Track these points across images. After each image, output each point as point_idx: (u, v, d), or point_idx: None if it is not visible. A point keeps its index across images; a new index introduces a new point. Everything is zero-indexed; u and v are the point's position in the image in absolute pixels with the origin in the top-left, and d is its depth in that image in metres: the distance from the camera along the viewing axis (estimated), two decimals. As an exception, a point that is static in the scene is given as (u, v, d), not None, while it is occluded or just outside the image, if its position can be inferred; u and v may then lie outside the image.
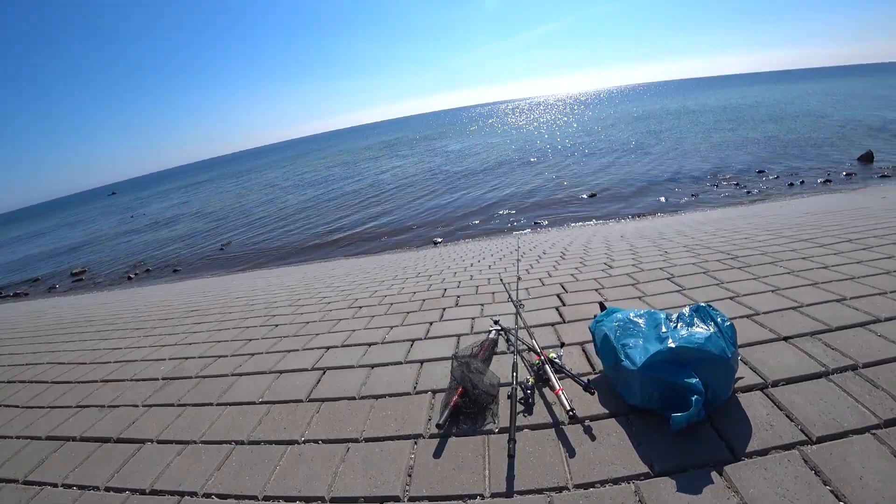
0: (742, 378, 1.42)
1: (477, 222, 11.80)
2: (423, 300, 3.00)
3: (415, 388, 1.73)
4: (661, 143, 21.00)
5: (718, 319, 1.37)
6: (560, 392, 1.37)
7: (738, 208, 8.13)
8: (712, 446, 1.18)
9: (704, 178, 12.74)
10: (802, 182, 10.57)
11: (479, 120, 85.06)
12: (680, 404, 1.18)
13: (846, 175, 10.75)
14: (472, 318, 2.42)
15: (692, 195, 10.88)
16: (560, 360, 1.62)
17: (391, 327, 2.50)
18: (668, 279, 2.67)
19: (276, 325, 2.98)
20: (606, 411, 1.38)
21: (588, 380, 1.45)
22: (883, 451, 1.09)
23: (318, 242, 12.79)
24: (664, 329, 1.37)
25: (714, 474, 1.10)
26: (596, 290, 2.65)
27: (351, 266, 6.62)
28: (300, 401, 1.79)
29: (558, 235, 6.98)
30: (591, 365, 1.70)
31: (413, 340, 2.22)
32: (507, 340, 1.98)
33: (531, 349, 1.79)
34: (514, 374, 1.54)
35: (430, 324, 2.44)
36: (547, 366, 1.54)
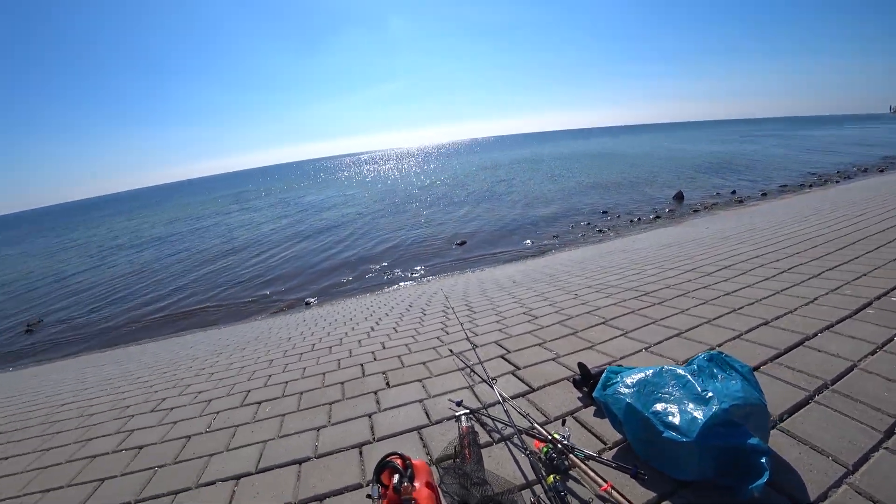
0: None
1: (350, 278, 10.92)
2: (342, 384, 2.43)
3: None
4: (513, 190, 23.26)
5: (737, 365, 1.32)
6: (610, 488, 1.13)
7: (602, 245, 9.23)
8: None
9: (558, 219, 14.33)
10: (640, 219, 12.75)
11: (331, 172, 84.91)
12: (740, 468, 1.08)
13: (669, 211, 13.36)
14: (421, 401, 2.00)
15: (554, 236, 12.02)
16: (568, 440, 1.35)
17: (317, 429, 1.91)
18: (603, 323, 2.65)
19: (141, 449, 2.03)
20: (655, 494, 1.18)
21: (636, 465, 1.22)
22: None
23: (160, 316, 10.54)
24: (698, 387, 1.24)
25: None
26: (539, 344, 2.48)
27: (213, 343, 5.40)
28: None
29: (443, 286, 6.64)
30: (597, 436, 1.50)
31: (360, 446, 1.70)
32: (484, 426, 1.62)
33: (524, 432, 1.49)
34: (540, 474, 1.25)
35: (370, 416, 1.94)
36: (564, 452, 1.29)
